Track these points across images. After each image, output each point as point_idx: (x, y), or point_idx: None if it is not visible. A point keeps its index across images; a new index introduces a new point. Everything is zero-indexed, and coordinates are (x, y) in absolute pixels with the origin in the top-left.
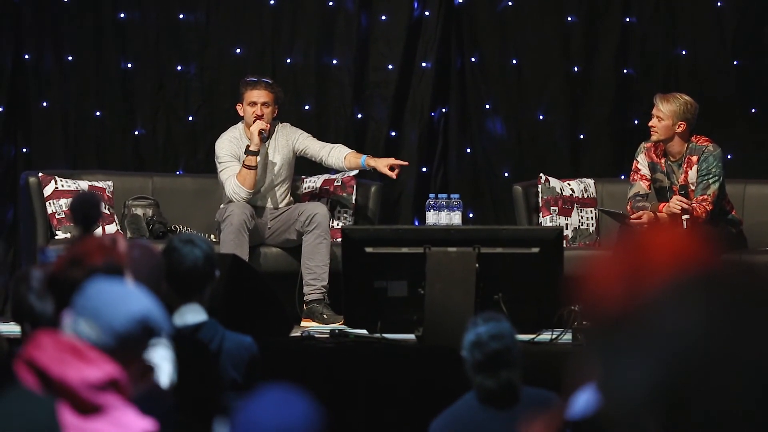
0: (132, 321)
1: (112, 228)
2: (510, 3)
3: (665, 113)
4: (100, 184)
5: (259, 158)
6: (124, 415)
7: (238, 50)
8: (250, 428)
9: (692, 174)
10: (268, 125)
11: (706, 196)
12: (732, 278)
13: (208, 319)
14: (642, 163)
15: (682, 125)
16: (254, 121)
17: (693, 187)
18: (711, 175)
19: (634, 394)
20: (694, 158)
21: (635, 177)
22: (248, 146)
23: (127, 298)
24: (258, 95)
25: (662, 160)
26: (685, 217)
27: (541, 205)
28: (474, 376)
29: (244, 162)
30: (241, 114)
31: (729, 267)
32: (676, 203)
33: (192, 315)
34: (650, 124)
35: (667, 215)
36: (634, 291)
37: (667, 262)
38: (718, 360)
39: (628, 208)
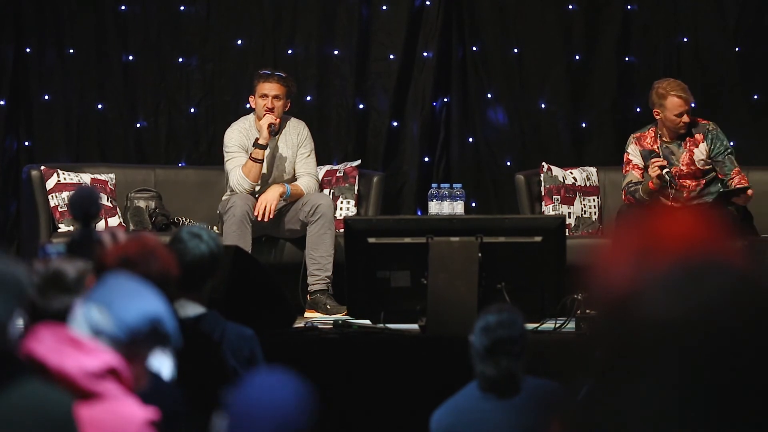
0: (143, 318)
1: (114, 221)
2: None
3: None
4: (102, 177)
5: (267, 152)
6: (125, 404)
7: (239, 42)
8: (245, 415)
9: (698, 152)
10: (278, 119)
11: (736, 168)
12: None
13: (210, 311)
14: (633, 153)
15: None
16: (264, 114)
17: (700, 165)
18: (728, 150)
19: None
20: (699, 136)
21: (628, 168)
22: (257, 139)
23: (143, 297)
24: (270, 88)
25: (656, 145)
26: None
27: (543, 193)
28: (477, 364)
29: (251, 154)
30: (253, 106)
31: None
32: (653, 167)
33: (192, 307)
34: (685, 120)
35: (654, 187)
36: (641, 274)
37: (675, 244)
38: (728, 344)
39: (623, 196)
